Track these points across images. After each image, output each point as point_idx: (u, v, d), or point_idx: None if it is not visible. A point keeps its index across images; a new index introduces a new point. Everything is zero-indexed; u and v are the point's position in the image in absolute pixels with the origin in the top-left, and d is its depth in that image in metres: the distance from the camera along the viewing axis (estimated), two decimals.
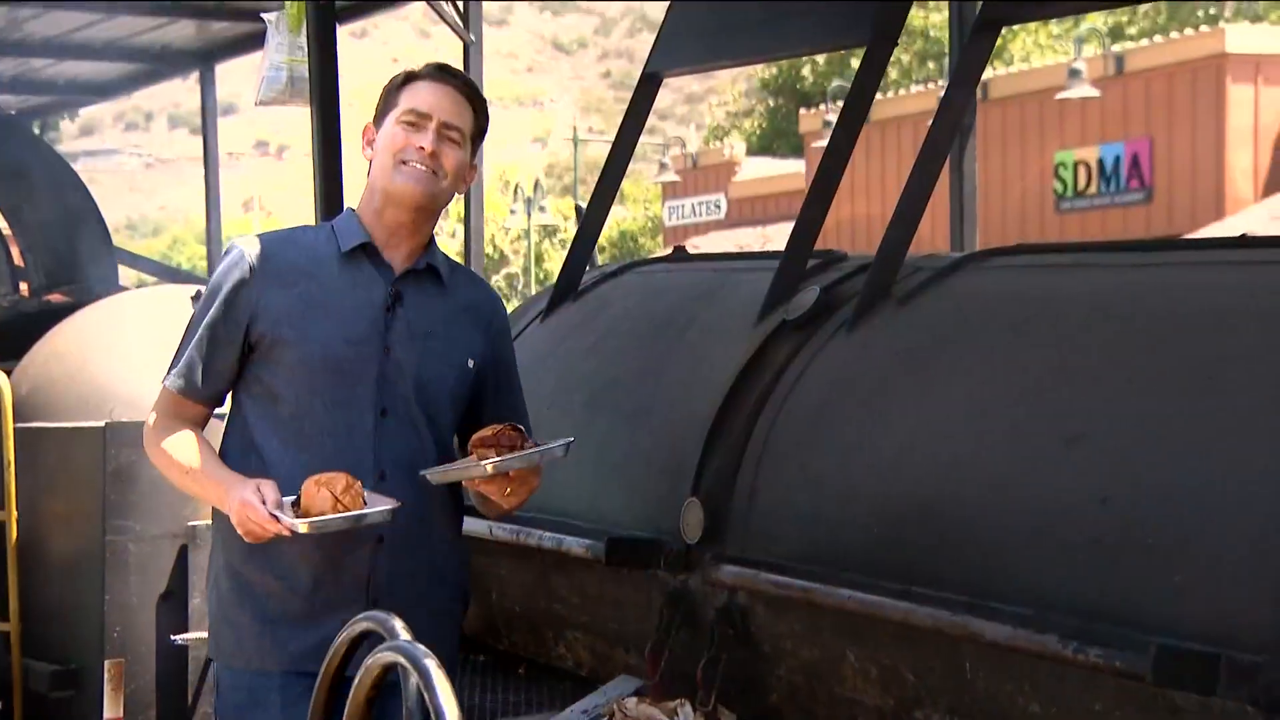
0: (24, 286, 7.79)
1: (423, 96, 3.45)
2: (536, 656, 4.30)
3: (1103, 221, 20.25)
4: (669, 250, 5.49)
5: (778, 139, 32.92)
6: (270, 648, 3.37)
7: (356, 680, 2.74)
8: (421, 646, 2.63)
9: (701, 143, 37.73)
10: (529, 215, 34.18)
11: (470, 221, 7.34)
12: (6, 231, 8.38)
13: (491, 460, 3.27)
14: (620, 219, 40.67)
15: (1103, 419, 3.04)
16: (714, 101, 51.52)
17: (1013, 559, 3.03)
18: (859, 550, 3.31)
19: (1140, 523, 2.84)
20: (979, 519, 3.14)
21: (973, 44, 3.73)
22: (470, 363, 3.53)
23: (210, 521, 5.76)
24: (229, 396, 3.53)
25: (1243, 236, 3.52)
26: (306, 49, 4.56)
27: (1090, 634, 2.75)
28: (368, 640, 2.88)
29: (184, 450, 3.43)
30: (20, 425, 6.05)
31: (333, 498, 3.19)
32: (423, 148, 3.39)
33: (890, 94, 25.46)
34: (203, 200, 10.06)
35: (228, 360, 3.43)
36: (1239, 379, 2.90)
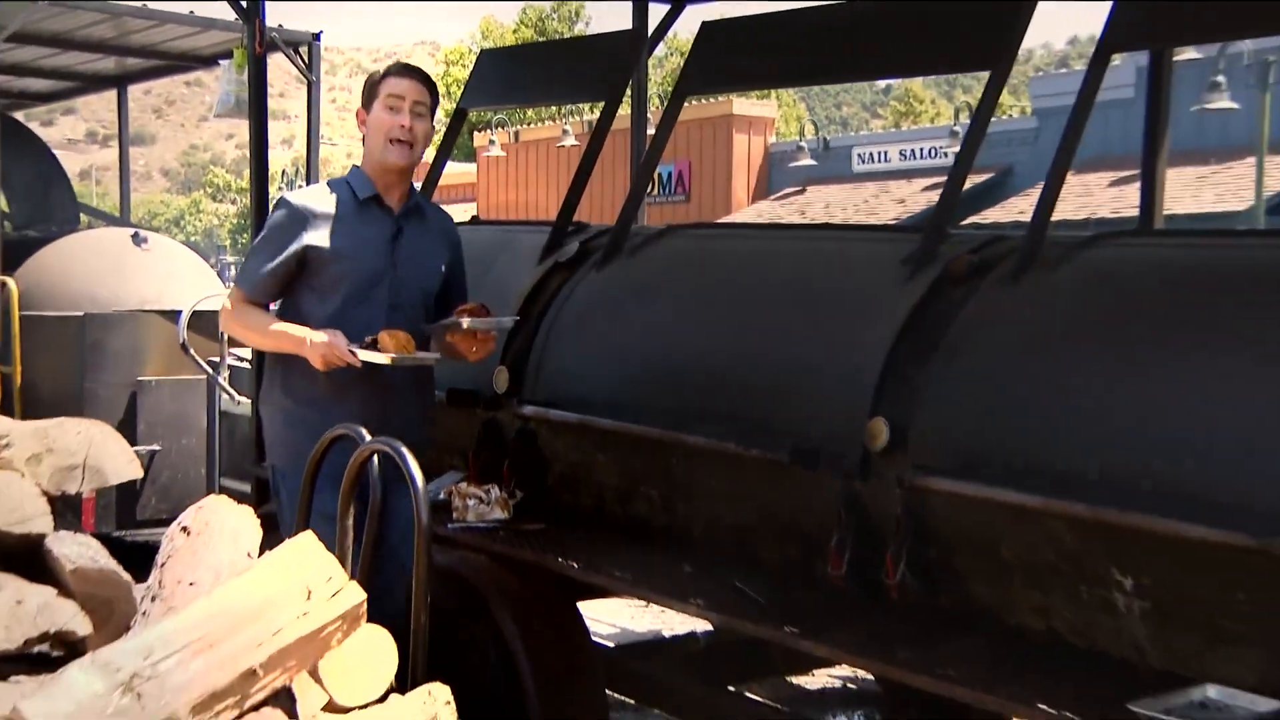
0: (8, 225, 7.25)
1: (396, 84, 3.22)
2: None
3: (661, 214, 20.49)
4: None
5: (455, 150, 32.45)
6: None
7: (351, 461, 2.66)
8: (396, 441, 2.61)
9: None
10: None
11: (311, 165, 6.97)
12: None
13: (467, 320, 3.21)
14: None
15: (760, 320, 3.17)
16: None
17: (705, 399, 3.16)
18: (607, 396, 3.37)
19: (778, 375, 3.01)
20: (684, 376, 3.23)
21: (671, 105, 3.84)
22: (442, 268, 3.39)
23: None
24: (282, 294, 3.28)
25: (825, 224, 3.83)
26: (247, 82, 4.49)
27: (753, 440, 2.92)
28: (340, 442, 2.82)
29: (262, 320, 3.24)
30: (24, 313, 5.76)
31: (402, 344, 3.10)
32: (404, 125, 3.20)
33: (532, 125, 25.45)
34: None
35: (281, 275, 3.22)
36: (836, 297, 3.07)
